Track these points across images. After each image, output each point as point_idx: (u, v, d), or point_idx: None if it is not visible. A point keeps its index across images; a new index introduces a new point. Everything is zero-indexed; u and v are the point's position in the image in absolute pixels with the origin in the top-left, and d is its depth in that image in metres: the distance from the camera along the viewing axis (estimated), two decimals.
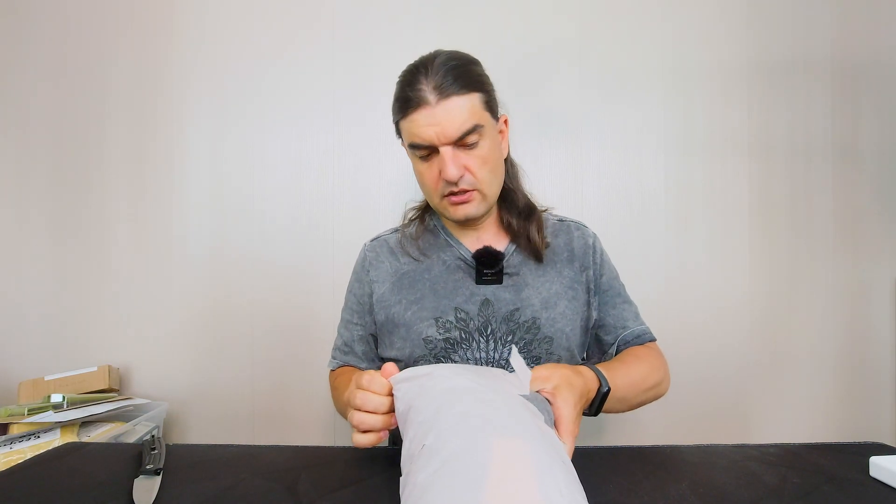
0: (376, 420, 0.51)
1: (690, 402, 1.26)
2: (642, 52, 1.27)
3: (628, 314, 0.81)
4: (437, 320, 0.73)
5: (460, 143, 0.68)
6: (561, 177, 1.28)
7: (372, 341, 0.84)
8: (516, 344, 0.72)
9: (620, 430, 1.27)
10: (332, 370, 0.86)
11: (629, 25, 1.27)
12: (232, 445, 0.61)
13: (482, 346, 0.72)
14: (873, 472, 0.50)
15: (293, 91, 1.29)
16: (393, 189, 1.28)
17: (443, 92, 0.67)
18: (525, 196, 0.81)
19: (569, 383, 0.53)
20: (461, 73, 0.68)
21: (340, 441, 1.28)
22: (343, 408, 0.70)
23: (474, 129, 0.68)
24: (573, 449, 0.48)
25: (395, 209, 1.28)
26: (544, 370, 0.54)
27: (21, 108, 1.31)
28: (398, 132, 0.74)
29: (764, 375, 1.27)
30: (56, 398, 1.03)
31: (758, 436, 1.26)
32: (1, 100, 1.31)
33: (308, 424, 1.28)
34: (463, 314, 0.73)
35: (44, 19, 1.31)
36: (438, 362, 0.72)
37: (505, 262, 0.77)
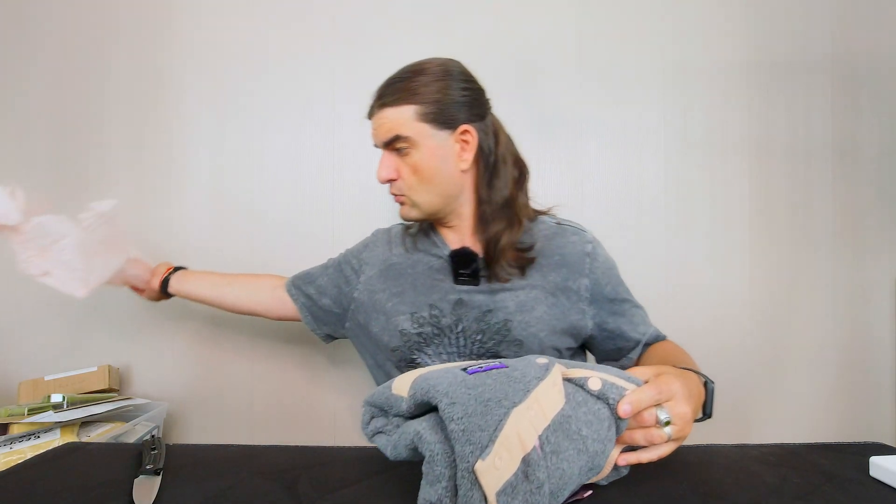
0: None
1: None
2: (642, 51, 1.27)
3: (639, 318, 0.82)
4: (412, 315, 0.77)
5: (393, 148, 0.76)
6: (561, 177, 1.28)
7: (325, 297, 0.91)
8: (484, 344, 0.74)
9: None
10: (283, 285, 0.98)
11: (629, 25, 1.27)
12: (232, 445, 0.61)
13: (452, 342, 0.75)
14: (873, 472, 0.50)
15: (293, 91, 1.29)
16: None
17: (379, 105, 0.77)
18: (497, 203, 0.78)
19: (675, 372, 0.51)
20: (399, 88, 0.75)
21: (340, 441, 1.28)
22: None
23: (396, 139, 0.75)
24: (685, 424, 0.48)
25: (396, 209, 1.27)
26: (645, 368, 0.51)
27: (21, 106, 1.31)
28: None
29: (764, 375, 1.27)
30: (56, 398, 1.03)
31: (758, 436, 1.26)
32: (3, 94, 1.31)
33: (308, 424, 1.28)
34: (436, 311, 0.77)
35: (44, 19, 1.31)
36: (412, 354, 0.77)
37: (486, 265, 0.78)
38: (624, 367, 0.80)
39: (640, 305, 0.84)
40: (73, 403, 1.04)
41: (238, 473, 0.52)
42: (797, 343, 1.27)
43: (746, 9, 1.27)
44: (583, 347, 0.84)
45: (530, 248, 0.78)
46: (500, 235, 0.76)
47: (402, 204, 0.80)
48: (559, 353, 0.77)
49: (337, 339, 0.99)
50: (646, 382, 0.48)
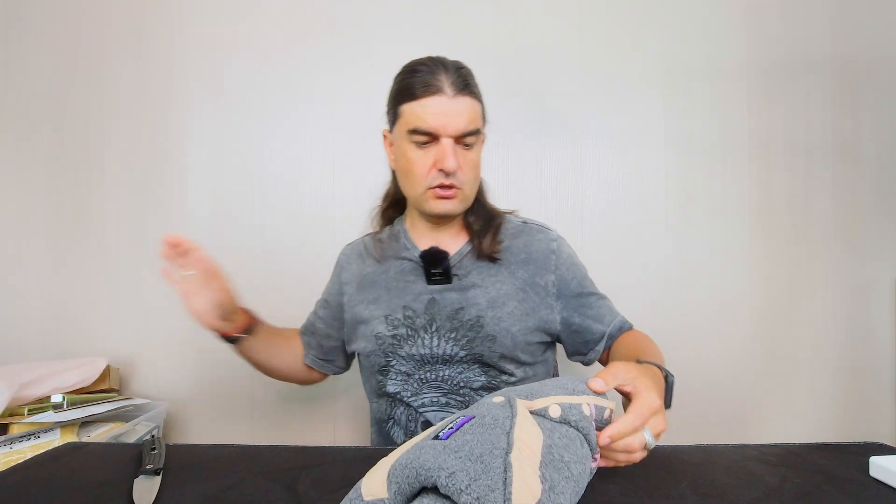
0: None
1: (690, 403, 1.25)
2: (642, 52, 1.27)
3: (604, 310, 0.82)
4: (387, 318, 0.78)
5: (460, 140, 0.73)
6: (561, 177, 1.28)
7: (330, 340, 0.91)
8: (458, 341, 0.75)
9: None
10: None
11: (629, 25, 1.27)
12: (232, 445, 0.61)
13: (426, 342, 0.76)
14: (873, 472, 0.50)
15: (294, 91, 1.29)
16: None
17: (459, 89, 0.72)
18: (487, 202, 0.86)
19: (644, 373, 0.52)
20: (472, 81, 0.75)
21: (340, 441, 1.28)
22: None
23: (476, 132, 0.74)
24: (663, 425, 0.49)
25: None
26: (612, 368, 0.51)
27: (22, 105, 1.31)
28: (394, 117, 0.78)
29: (764, 375, 1.27)
30: (56, 398, 1.03)
31: (758, 436, 1.26)
32: (4, 94, 1.31)
33: (308, 424, 1.28)
34: (410, 312, 0.77)
35: (44, 20, 1.31)
36: (387, 357, 0.77)
37: (458, 263, 0.79)
38: (590, 361, 0.82)
39: (604, 297, 0.84)
40: (73, 403, 1.04)
41: (238, 473, 0.52)
42: (797, 343, 1.27)
43: (746, 9, 1.28)
44: (554, 342, 0.85)
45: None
46: (491, 223, 0.81)
47: (449, 198, 0.75)
48: (532, 348, 0.77)
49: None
50: (602, 390, 0.48)
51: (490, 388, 0.75)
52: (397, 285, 0.80)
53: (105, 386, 1.17)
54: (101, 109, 1.30)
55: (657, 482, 0.49)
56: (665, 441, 0.65)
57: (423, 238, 0.83)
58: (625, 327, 0.82)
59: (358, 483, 0.40)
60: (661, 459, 0.55)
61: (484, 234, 0.80)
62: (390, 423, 0.79)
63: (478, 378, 0.75)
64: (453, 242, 0.81)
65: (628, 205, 1.28)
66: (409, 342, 0.76)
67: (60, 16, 1.31)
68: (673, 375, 0.61)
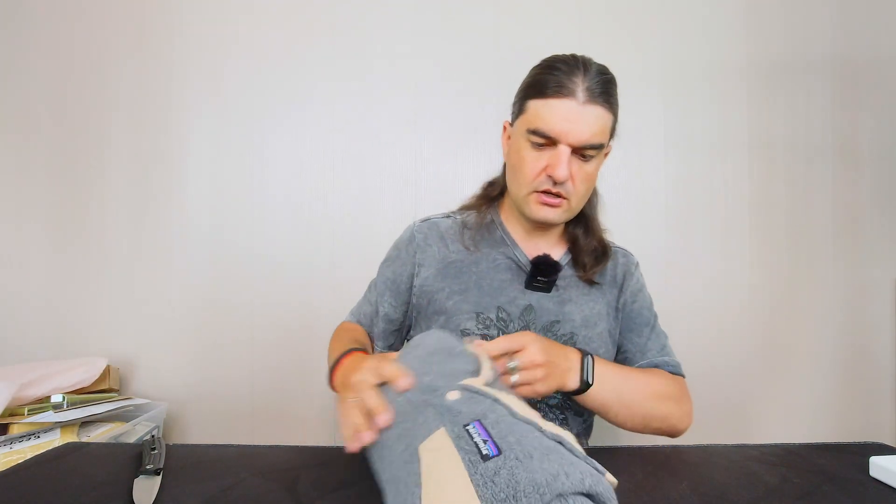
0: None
1: None
2: (642, 52, 1.27)
3: (653, 345, 0.77)
4: (478, 315, 0.73)
5: (578, 150, 0.68)
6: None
7: (395, 324, 0.82)
8: None
9: (620, 431, 1.27)
10: (346, 321, 0.85)
11: (629, 25, 1.27)
12: (232, 445, 0.61)
13: None
14: (873, 472, 0.50)
15: (294, 90, 1.29)
16: (394, 188, 1.28)
17: (593, 96, 0.66)
18: (600, 228, 0.81)
19: (535, 334, 0.59)
20: (611, 90, 0.69)
21: (340, 441, 1.28)
22: (335, 364, 0.70)
23: (599, 146, 0.68)
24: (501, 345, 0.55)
25: (396, 208, 1.28)
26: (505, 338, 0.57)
27: (22, 105, 1.31)
28: (518, 110, 0.73)
29: (764, 375, 1.27)
30: (56, 398, 1.03)
31: (758, 436, 1.26)
32: (4, 93, 1.31)
33: (308, 424, 1.28)
34: (504, 314, 0.73)
35: (44, 20, 1.31)
36: None
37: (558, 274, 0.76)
38: None
39: (662, 333, 0.80)
40: (73, 403, 1.04)
41: (238, 473, 0.52)
42: (797, 343, 1.27)
43: (746, 9, 1.27)
44: None
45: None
46: (604, 256, 0.78)
47: (554, 206, 0.71)
48: None
49: None
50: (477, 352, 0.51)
51: (563, 408, 0.73)
52: (491, 282, 0.75)
53: (105, 386, 1.17)
54: (101, 110, 1.30)
55: (657, 482, 0.49)
56: (665, 441, 0.65)
57: (521, 237, 0.79)
58: (666, 369, 0.75)
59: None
60: (661, 459, 0.55)
61: (592, 260, 0.76)
62: None
63: (555, 396, 0.72)
64: (553, 250, 0.78)
65: (628, 204, 1.28)
66: None
67: (61, 15, 1.31)
68: (592, 356, 0.63)
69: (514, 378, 0.55)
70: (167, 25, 1.30)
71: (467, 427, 0.39)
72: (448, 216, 0.83)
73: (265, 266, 1.28)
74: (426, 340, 0.52)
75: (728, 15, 1.28)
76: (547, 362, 0.57)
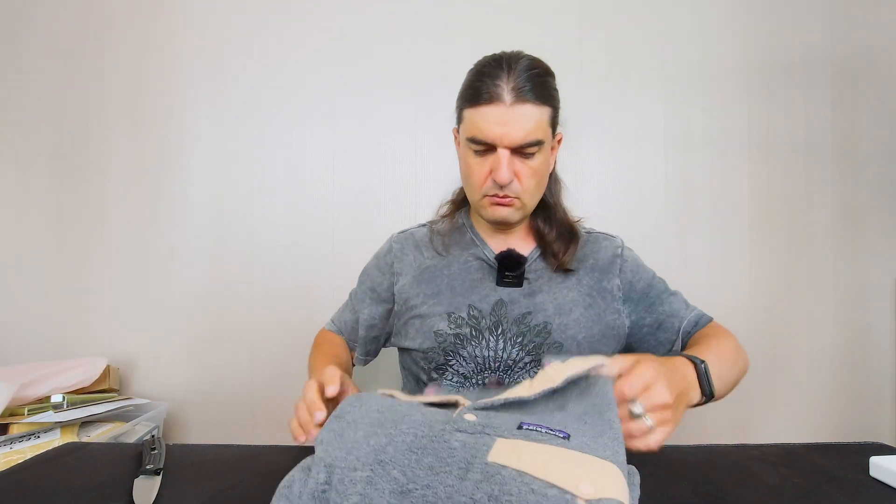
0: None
1: None
2: (642, 51, 1.27)
3: (678, 305, 0.80)
4: (449, 315, 0.75)
5: (519, 150, 0.69)
6: (561, 177, 1.28)
7: (374, 330, 0.86)
8: (524, 346, 0.73)
9: None
10: (326, 329, 0.90)
11: (629, 25, 1.27)
12: (232, 445, 0.61)
13: (491, 344, 0.73)
14: (873, 472, 0.50)
15: (293, 91, 1.29)
16: (393, 188, 1.28)
17: (520, 96, 0.67)
18: (565, 213, 0.82)
19: (654, 360, 0.50)
20: (541, 84, 0.70)
21: None
22: (311, 372, 0.78)
23: (537, 143, 0.70)
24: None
25: (395, 208, 1.28)
26: (622, 357, 0.49)
27: (22, 106, 1.31)
28: (459, 118, 0.76)
29: (764, 375, 1.27)
30: (56, 398, 1.03)
31: (758, 436, 1.26)
32: (4, 93, 1.31)
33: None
34: (476, 312, 0.75)
35: (44, 20, 1.31)
36: (447, 356, 0.74)
37: (528, 267, 0.78)
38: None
39: (676, 292, 0.82)
40: (73, 403, 1.04)
41: (238, 473, 0.52)
42: (797, 343, 1.27)
43: (747, 9, 1.27)
44: (622, 350, 0.82)
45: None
46: (572, 240, 0.79)
47: (506, 206, 0.73)
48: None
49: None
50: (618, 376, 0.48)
51: None
52: (462, 283, 0.77)
53: (105, 386, 1.17)
54: (101, 110, 1.30)
55: (657, 482, 0.49)
56: (665, 441, 0.65)
57: (490, 236, 0.81)
58: (701, 322, 0.78)
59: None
60: (661, 459, 0.55)
61: (561, 247, 0.78)
62: None
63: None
64: (521, 245, 0.80)
65: (628, 204, 1.28)
66: (473, 342, 0.74)
67: (61, 16, 1.31)
68: (704, 361, 0.57)
69: (648, 422, 0.47)
70: (168, 27, 1.30)
71: (522, 428, 0.38)
72: (423, 226, 0.88)
73: (265, 266, 1.28)
74: (363, 410, 0.46)
75: (728, 15, 1.28)
76: (674, 397, 0.49)
